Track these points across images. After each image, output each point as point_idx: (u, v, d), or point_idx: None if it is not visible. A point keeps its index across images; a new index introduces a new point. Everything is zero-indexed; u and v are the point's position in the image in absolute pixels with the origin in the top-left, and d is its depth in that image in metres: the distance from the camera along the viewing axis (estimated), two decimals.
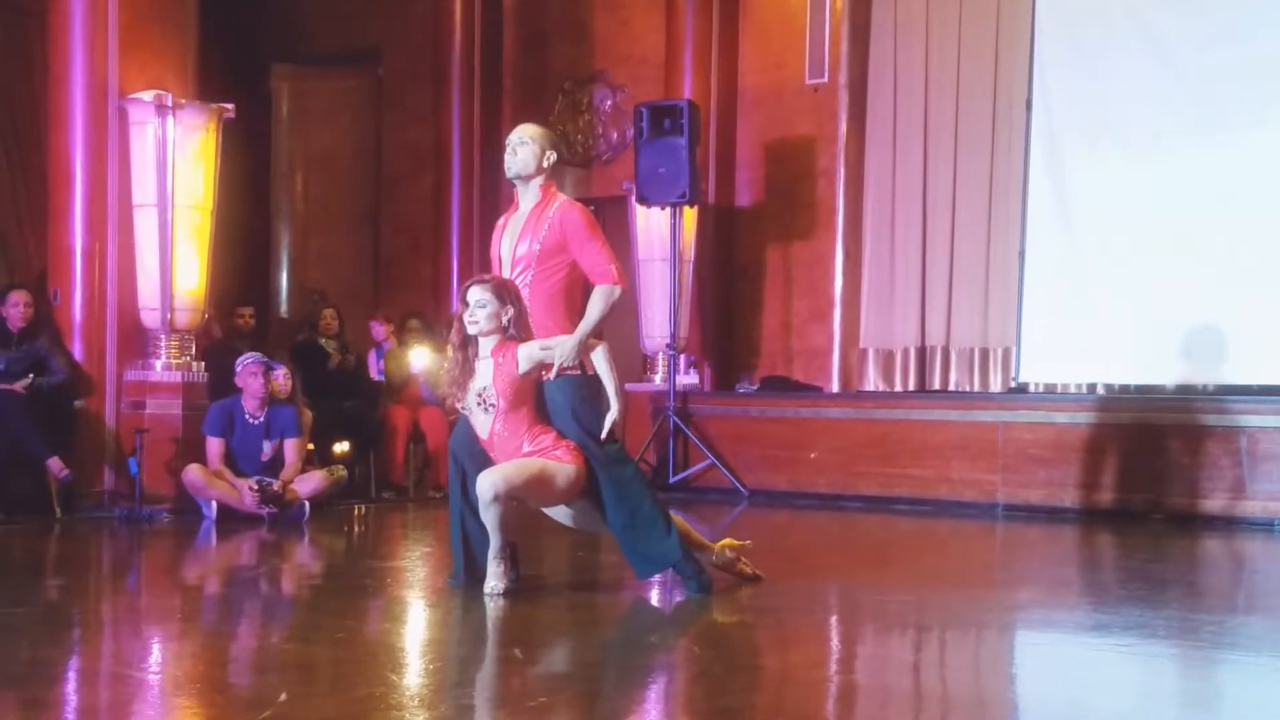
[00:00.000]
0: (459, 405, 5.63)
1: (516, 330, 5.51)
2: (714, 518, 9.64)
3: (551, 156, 5.82)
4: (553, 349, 5.47)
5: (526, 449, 5.48)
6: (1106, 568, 7.56)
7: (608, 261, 5.69)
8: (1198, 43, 9.98)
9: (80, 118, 8.66)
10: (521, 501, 5.57)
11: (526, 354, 5.40)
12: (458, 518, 5.81)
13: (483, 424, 5.55)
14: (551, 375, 5.53)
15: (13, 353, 8.41)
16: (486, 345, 5.52)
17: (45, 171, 9.23)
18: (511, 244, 5.76)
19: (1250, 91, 9.73)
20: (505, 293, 5.54)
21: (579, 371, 5.63)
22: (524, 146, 5.74)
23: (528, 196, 5.80)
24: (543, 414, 5.58)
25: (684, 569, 5.68)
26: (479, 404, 5.54)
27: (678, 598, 5.84)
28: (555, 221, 5.66)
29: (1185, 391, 9.74)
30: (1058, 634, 5.42)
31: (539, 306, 5.66)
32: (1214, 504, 8.97)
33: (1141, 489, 9.24)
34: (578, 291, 5.85)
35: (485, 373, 5.50)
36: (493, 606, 5.46)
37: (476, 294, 5.50)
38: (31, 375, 8.34)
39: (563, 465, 5.47)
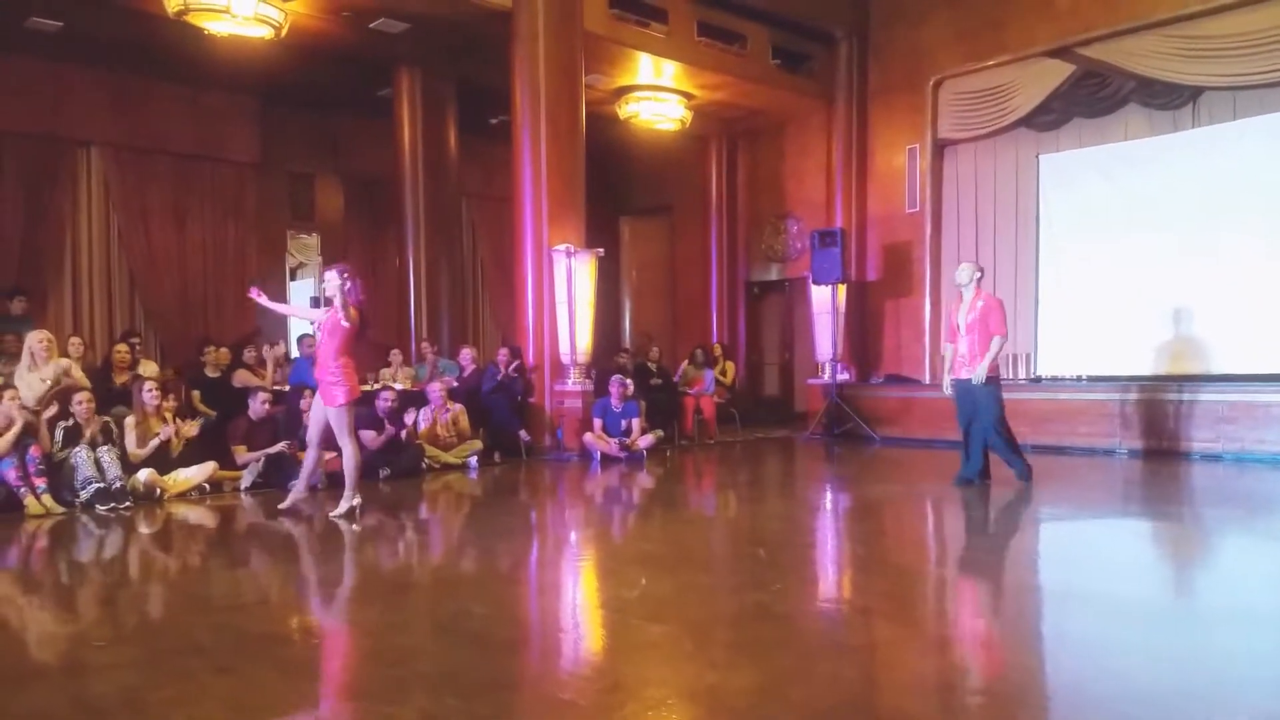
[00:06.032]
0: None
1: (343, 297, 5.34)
2: (860, 450, 9.44)
3: (979, 275, 6.22)
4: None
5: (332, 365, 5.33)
6: (1100, 479, 6.99)
7: (1002, 324, 6.14)
8: (1129, 181, 9.26)
9: (530, 258, 8.70)
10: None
11: None
12: (979, 437, 6.27)
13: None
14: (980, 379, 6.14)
15: (499, 377, 8.67)
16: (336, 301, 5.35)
17: (513, 285, 9.22)
18: (963, 317, 6.22)
19: (1163, 202, 9.10)
20: (346, 272, 5.47)
21: (995, 377, 6.24)
22: (965, 270, 6.18)
23: (968, 293, 6.18)
24: None
25: (1017, 466, 6.31)
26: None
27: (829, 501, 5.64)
28: (983, 304, 6.12)
29: (1134, 378, 8.99)
30: (1077, 522, 5.06)
31: (981, 340, 6.14)
32: (1159, 444, 8.33)
33: (1114, 436, 8.62)
34: (989, 334, 6.15)
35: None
36: (734, 517, 5.33)
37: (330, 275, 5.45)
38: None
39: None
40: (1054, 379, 9.77)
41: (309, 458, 5.73)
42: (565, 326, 8.70)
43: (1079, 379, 9.56)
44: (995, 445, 6.34)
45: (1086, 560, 4.36)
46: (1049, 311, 9.85)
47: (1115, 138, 9.72)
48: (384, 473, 7.18)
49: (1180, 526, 5.34)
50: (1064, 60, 9.59)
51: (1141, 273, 9.32)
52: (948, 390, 6.59)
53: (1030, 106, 9.91)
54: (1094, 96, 9.70)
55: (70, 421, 6.15)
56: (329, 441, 5.67)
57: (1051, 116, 10.05)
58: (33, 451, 5.79)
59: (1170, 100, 9.26)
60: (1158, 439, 8.39)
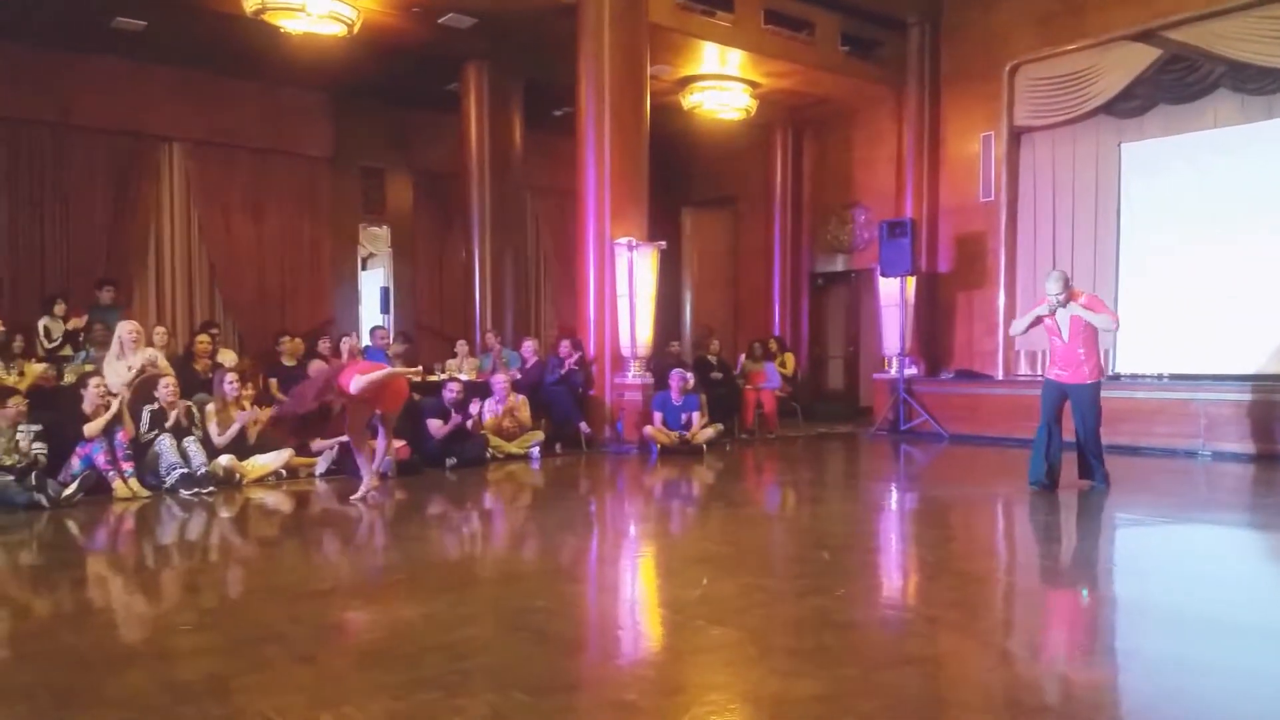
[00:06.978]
0: None
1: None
2: (928, 448, 9.29)
3: (1070, 284, 6.10)
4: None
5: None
6: (1182, 483, 6.75)
7: (1113, 315, 6.21)
8: (1219, 171, 8.90)
9: (592, 251, 8.78)
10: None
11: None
12: (1044, 437, 6.06)
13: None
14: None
15: (562, 371, 8.79)
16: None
17: (574, 277, 9.41)
18: (1065, 322, 6.03)
19: (1254, 193, 8.83)
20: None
21: (1100, 379, 6.10)
22: (1061, 287, 6.00)
23: (1065, 302, 6.06)
24: None
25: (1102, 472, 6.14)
26: None
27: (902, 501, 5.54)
28: (1086, 305, 6.01)
29: (1220, 376, 8.69)
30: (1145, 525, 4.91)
31: (1087, 344, 6.03)
32: (1247, 446, 8.01)
33: (1198, 436, 8.31)
34: (1095, 338, 6.09)
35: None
36: (796, 516, 5.31)
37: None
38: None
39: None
40: (1133, 376, 9.45)
41: (357, 452, 6.09)
42: (626, 319, 8.77)
43: (1160, 377, 9.22)
44: (1091, 447, 6.11)
45: (1165, 571, 4.23)
46: (1129, 306, 9.51)
47: (1204, 125, 9.33)
48: (451, 462, 7.36)
49: (1268, 536, 5.13)
50: (1149, 44, 9.23)
51: (1229, 267, 8.99)
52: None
53: (1112, 93, 9.57)
54: (1181, 82, 9.31)
55: (155, 405, 6.45)
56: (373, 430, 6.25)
57: (1135, 103, 9.68)
58: (120, 436, 6.10)
59: (1264, 85, 8.84)
60: (1245, 441, 8.06)
